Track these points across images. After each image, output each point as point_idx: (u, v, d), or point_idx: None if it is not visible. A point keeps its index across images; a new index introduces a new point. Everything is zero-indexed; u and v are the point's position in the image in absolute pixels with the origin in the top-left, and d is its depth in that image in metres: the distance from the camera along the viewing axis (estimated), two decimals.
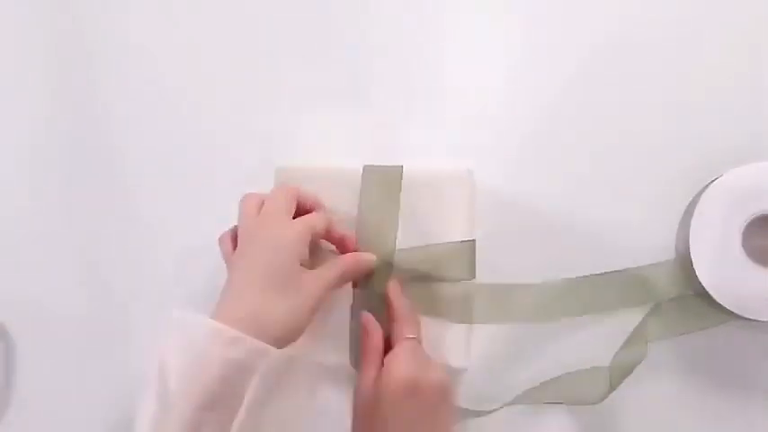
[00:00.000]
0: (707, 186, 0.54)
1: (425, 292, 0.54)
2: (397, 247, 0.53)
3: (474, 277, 0.54)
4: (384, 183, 0.52)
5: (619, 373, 0.54)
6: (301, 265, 0.50)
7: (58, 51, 0.65)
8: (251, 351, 0.45)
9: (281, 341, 0.47)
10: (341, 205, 0.53)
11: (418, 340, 0.52)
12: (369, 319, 0.53)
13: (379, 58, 0.60)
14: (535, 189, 0.58)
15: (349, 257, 0.53)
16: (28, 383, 0.63)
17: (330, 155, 0.58)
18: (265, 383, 0.45)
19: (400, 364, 0.49)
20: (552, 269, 0.56)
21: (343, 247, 0.54)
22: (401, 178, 0.52)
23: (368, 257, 0.53)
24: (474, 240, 0.53)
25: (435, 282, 0.53)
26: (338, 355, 0.54)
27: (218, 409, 0.44)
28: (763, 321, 0.53)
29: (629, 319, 0.56)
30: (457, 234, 0.53)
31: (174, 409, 0.43)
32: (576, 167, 0.58)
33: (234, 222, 0.53)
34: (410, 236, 0.53)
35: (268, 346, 0.45)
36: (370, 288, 0.54)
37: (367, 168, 0.52)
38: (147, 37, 0.64)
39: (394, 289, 0.54)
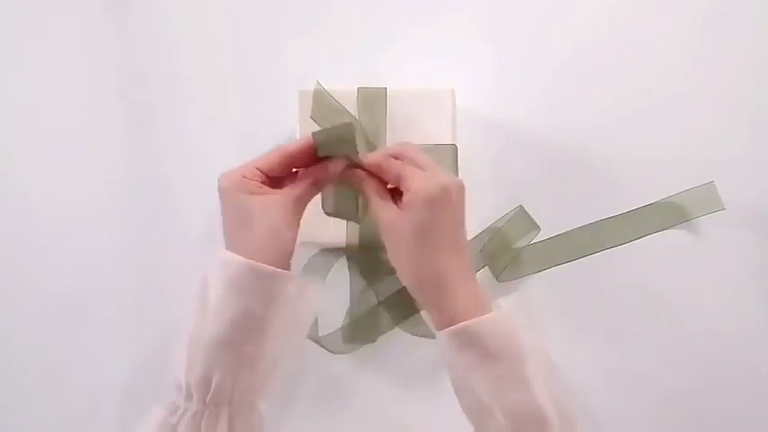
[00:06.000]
0: None
1: None
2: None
3: (457, 175, 0.62)
4: (373, 98, 0.64)
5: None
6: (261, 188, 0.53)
7: None
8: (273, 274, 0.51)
9: (276, 262, 0.51)
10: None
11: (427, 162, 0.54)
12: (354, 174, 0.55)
13: None
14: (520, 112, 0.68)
15: (314, 167, 0.55)
16: None
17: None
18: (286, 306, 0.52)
19: (433, 176, 0.52)
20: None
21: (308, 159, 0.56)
22: (386, 95, 0.64)
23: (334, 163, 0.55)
24: (455, 145, 0.63)
25: None
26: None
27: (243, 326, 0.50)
28: None
29: None
30: (441, 141, 0.63)
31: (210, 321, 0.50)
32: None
33: None
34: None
35: (286, 272, 0.52)
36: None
37: (360, 89, 0.64)
38: None
39: (374, 155, 0.55)
